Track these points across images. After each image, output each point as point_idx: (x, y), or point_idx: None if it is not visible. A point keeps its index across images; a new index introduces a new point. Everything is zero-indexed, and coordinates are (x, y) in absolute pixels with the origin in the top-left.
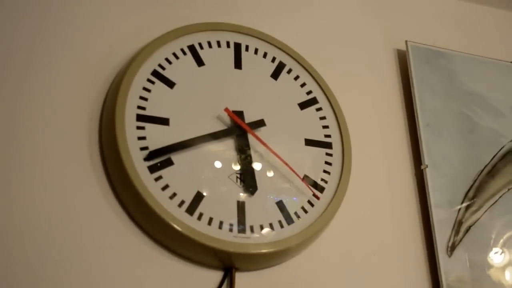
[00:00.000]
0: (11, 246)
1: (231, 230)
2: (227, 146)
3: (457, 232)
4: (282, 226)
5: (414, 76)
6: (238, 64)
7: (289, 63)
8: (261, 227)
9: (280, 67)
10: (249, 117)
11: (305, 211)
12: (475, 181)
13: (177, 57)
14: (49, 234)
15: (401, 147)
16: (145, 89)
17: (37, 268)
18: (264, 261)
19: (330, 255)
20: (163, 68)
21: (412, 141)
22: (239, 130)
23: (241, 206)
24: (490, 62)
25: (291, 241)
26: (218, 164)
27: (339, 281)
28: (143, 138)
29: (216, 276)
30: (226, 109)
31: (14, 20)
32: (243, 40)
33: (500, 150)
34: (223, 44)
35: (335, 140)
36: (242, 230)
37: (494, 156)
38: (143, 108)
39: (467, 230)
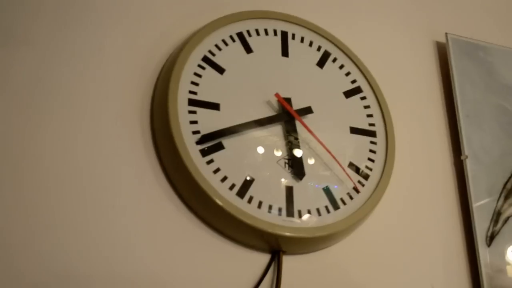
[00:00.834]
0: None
1: (280, 214)
2: (276, 131)
3: (496, 222)
4: (328, 212)
5: (454, 68)
6: (285, 52)
7: (334, 52)
8: (309, 212)
9: (325, 56)
10: (296, 104)
11: (351, 198)
12: None
13: (226, 44)
14: (101, 218)
15: (441, 137)
16: (196, 74)
17: (89, 251)
18: (310, 245)
19: (373, 241)
20: (213, 54)
21: (451, 132)
22: (287, 116)
23: (289, 191)
24: None
25: (337, 226)
26: (267, 149)
27: (381, 267)
28: (195, 122)
29: (264, 258)
30: (277, 94)
31: (68, 7)
32: (290, 29)
33: None
34: (271, 32)
35: (379, 128)
36: (290, 214)
37: None
38: (195, 93)
39: (505, 221)
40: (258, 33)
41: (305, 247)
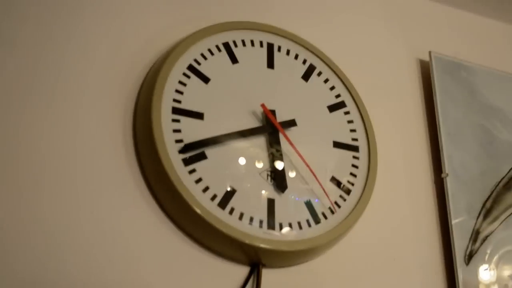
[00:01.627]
0: (42, 235)
1: (261, 226)
2: (259, 143)
3: (474, 241)
4: (309, 225)
5: (436, 86)
6: (270, 64)
7: (319, 66)
8: (290, 225)
9: (310, 69)
10: (280, 117)
11: (332, 212)
12: (492, 192)
13: (212, 53)
14: (80, 226)
15: (422, 154)
16: (181, 83)
17: (63, 258)
18: (290, 259)
19: (353, 256)
20: (199, 63)
21: (433, 150)
22: (270, 128)
23: (270, 204)
24: (509, 77)
25: (317, 240)
26: (249, 161)
27: (360, 282)
28: (178, 131)
29: (243, 271)
30: (263, 105)
31: (52, 8)
32: (276, 41)
33: None
34: (257, 43)
35: (361, 144)
36: (271, 226)
37: (511, 169)
38: (179, 102)
39: (484, 240)
40: (244, 44)
41: (285, 260)
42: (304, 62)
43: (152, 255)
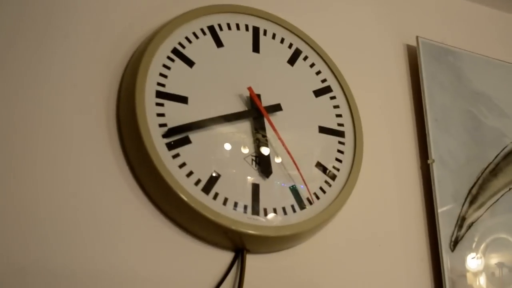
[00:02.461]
0: (24, 218)
1: (245, 211)
2: (244, 128)
3: (460, 228)
4: (294, 211)
5: (424, 71)
6: (256, 48)
7: (305, 50)
8: (274, 210)
9: (296, 54)
10: (265, 101)
11: (317, 197)
12: (478, 178)
13: (197, 37)
14: (62, 210)
15: (409, 140)
16: (165, 66)
17: (43, 242)
18: (274, 244)
19: (338, 242)
20: (183, 47)
21: (419, 136)
22: (256, 113)
23: (255, 189)
24: (496, 63)
25: (302, 226)
26: (234, 146)
27: (345, 268)
28: (162, 115)
29: (227, 257)
30: (250, 88)
31: None
32: (261, 25)
33: (503, 149)
34: (242, 27)
35: (347, 129)
36: (255, 212)
37: (497, 155)
38: (163, 85)
39: (469, 226)
40: (229, 28)
41: (269, 246)
42: (290, 46)
43: (135, 240)
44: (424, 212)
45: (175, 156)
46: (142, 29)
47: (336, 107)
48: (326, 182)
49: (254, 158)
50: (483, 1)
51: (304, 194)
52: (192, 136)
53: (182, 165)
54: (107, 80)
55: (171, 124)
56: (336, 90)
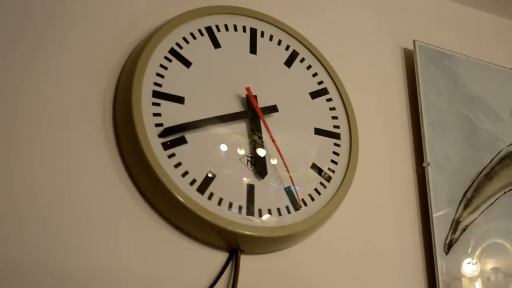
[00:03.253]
0: (19, 217)
1: (240, 212)
2: (240, 129)
3: (454, 231)
4: (289, 212)
5: (420, 75)
6: (253, 49)
7: (302, 52)
8: (269, 211)
9: (293, 55)
10: (262, 102)
11: (312, 199)
12: (473, 181)
13: (194, 37)
14: (57, 209)
15: (404, 143)
16: (162, 66)
17: (45, 243)
18: (268, 245)
19: (332, 244)
20: (181, 47)
21: (415, 139)
22: (252, 114)
23: (250, 189)
24: (491, 68)
25: (297, 227)
26: (230, 146)
27: (339, 270)
28: (158, 114)
29: (221, 257)
30: (248, 88)
31: None
32: (259, 26)
33: (498, 153)
34: (240, 28)
35: (343, 131)
36: (250, 212)
37: (492, 159)
38: (160, 85)
39: (464, 229)
40: (227, 29)
41: (263, 247)
42: (287, 48)
43: (129, 239)
44: (419, 214)
45: (171, 155)
46: (140, 29)
47: (332, 109)
48: (321, 183)
49: (249, 159)
50: (480, 6)
51: (299, 195)
52: (188, 136)
53: (178, 165)
54: (104, 79)
55: (167, 124)
56: (333, 92)
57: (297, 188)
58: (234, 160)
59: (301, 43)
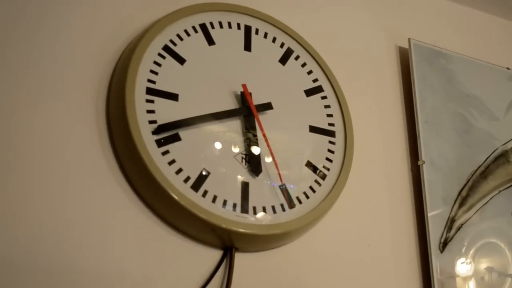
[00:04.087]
0: (12, 216)
1: (234, 209)
2: (234, 126)
3: (449, 229)
4: (284, 210)
5: (415, 73)
6: (247, 47)
7: (297, 50)
8: (264, 209)
9: (288, 53)
10: (256, 99)
11: (307, 197)
12: (468, 180)
13: (188, 34)
14: (49, 207)
15: (399, 142)
16: (155, 63)
17: (37, 242)
18: (263, 243)
19: (327, 242)
20: (175, 44)
21: (410, 137)
22: (247, 111)
23: (244, 187)
24: (487, 66)
25: (291, 225)
26: (224, 143)
27: (334, 268)
28: (152, 111)
29: (216, 254)
30: (244, 85)
31: None
32: (254, 23)
33: (493, 152)
34: (234, 25)
35: (338, 129)
36: (244, 210)
37: (487, 158)
38: (153, 82)
39: (459, 228)
40: (221, 26)
41: (258, 244)
42: (282, 45)
43: (123, 237)
44: (414, 213)
45: (165, 153)
46: (134, 26)
47: (327, 106)
48: (316, 181)
49: (244, 156)
50: (476, 5)
51: (293, 194)
52: (182, 133)
53: (172, 162)
54: (97, 76)
55: (161, 121)
56: (327, 90)
57: (291, 186)
58: (228, 157)
59: (296, 40)
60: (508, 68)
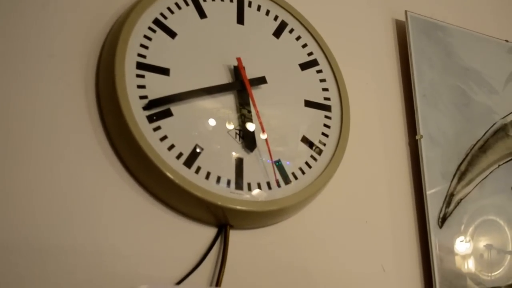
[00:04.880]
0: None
1: (228, 186)
2: (228, 101)
3: (448, 204)
4: (279, 186)
5: (412, 46)
6: (240, 20)
7: (291, 22)
8: (258, 185)
9: (282, 26)
10: (250, 74)
11: (303, 172)
12: (467, 154)
13: (179, 7)
14: (38, 184)
15: (397, 116)
16: (146, 37)
17: (28, 219)
18: (258, 220)
19: (324, 218)
20: (165, 18)
21: (407, 111)
22: (240, 86)
23: (239, 163)
24: (485, 39)
25: (287, 201)
26: (217, 119)
27: (331, 245)
28: (143, 86)
29: (210, 232)
30: (239, 59)
31: None
32: None
33: (492, 126)
34: None
35: (334, 103)
36: (239, 186)
37: (486, 132)
38: (144, 56)
39: (458, 203)
40: None
41: (253, 221)
42: (276, 18)
43: (115, 215)
44: (412, 188)
45: (156, 129)
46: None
47: (322, 80)
48: (312, 157)
49: (238, 132)
50: None
51: (289, 170)
52: (174, 108)
53: (163, 138)
54: (86, 50)
55: (152, 96)
56: (323, 64)
57: (287, 163)
58: (222, 133)
59: (290, 13)
60: (507, 41)
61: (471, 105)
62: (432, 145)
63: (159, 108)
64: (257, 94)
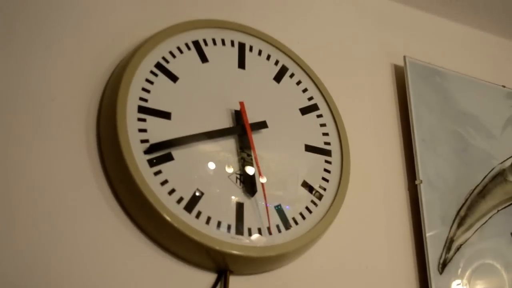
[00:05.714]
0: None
1: (228, 231)
2: (228, 145)
3: (448, 250)
4: (279, 231)
5: (411, 91)
6: (241, 64)
7: (292, 67)
8: (259, 230)
9: (283, 71)
10: (251, 118)
11: (303, 217)
12: (466, 199)
13: (181, 51)
14: (37, 229)
15: (396, 161)
16: (148, 81)
17: (27, 262)
18: (258, 265)
19: (324, 264)
20: (167, 61)
21: (407, 156)
22: (241, 130)
23: (239, 208)
24: (482, 84)
25: (286, 247)
26: (218, 163)
27: None
28: (144, 130)
29: (210, 278)
30: (241, 103)
31: (17, 3)
32: (248, 41)
33: (490, 171)
34: (228, 42)
35: (334, 148)
36: (239, 232)
37: (485, 177)
38: (145, 100)
39: (458, 248)
40: (214, 43)
41: (253, 267)
42: (277, 63)
43: (114, 260)
44: (412, 233)
45: (157, 173)
46: (126, 42)
47: (322, 125)
48: (312, 202)
49: (238, 176)
50: (471, 23)
51: (289, 215)
52: (175, 152)
53: (164, 182)
54: (88, 94)
55: (153, 140)
56: (323, 108)
57: (287, 207)
58: (222, 177)
59: (291, 58)
60: (503, 86)
61: (470, 150)
62: (431, 190)
63: (160, 152)
64: (258, 138)
